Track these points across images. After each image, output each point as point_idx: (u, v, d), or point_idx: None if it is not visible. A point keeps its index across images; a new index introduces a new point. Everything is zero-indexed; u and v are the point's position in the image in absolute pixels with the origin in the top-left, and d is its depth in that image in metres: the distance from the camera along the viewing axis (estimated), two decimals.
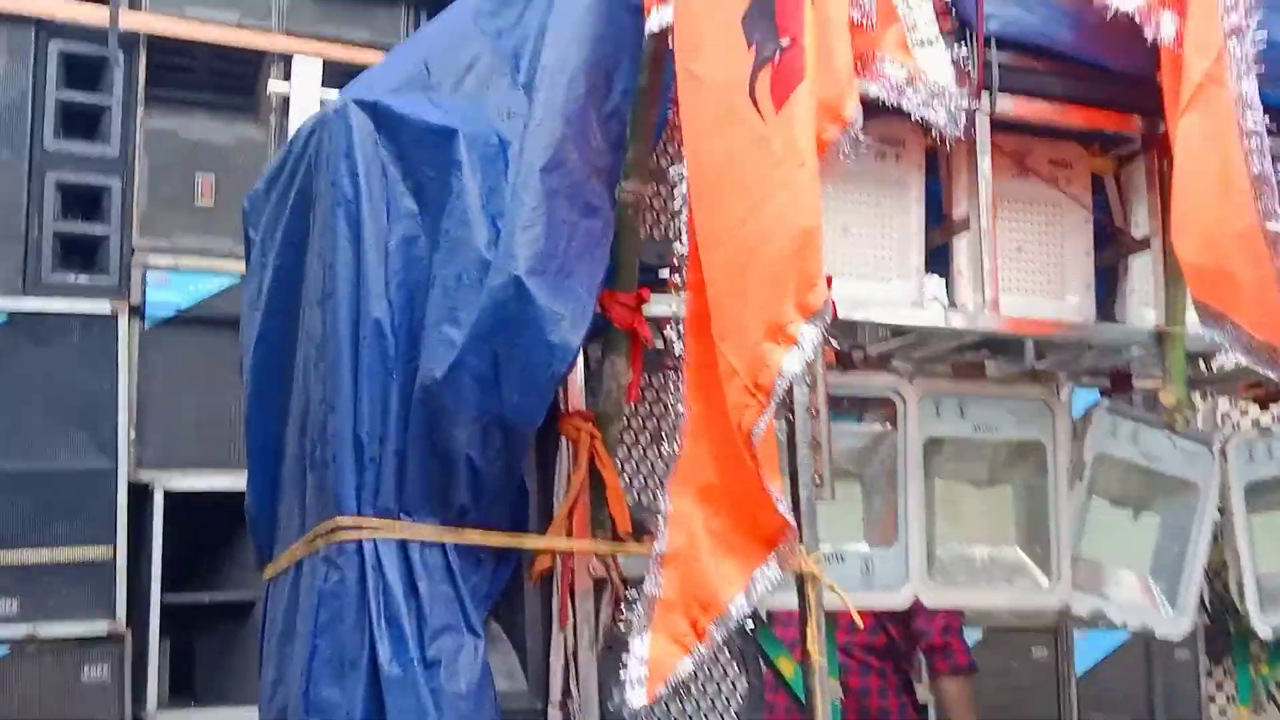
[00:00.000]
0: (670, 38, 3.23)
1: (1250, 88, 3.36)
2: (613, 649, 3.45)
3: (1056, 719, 6.36)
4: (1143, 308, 4.28)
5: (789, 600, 3.28)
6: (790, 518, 2.96)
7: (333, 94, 5.96)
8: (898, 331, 3.91)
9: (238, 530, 5.91)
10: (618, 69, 3.42)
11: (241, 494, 5.86)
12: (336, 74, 6.17)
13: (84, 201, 6.01)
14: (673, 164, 3.37)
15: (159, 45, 6.13)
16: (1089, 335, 4.22)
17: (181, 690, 5.95)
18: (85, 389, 5.79)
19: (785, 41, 2.93)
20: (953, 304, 3.87)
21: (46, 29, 5.96)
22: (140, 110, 6.08)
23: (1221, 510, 4.56)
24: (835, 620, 3.75)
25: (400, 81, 3.53)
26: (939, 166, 4.02)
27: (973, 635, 6.31)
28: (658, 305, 3.49)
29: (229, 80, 6.40)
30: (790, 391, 3.23)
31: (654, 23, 3.27)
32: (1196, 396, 5.33)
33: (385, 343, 3.30)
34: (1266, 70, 3.41)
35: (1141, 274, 4.29)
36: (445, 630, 3.23)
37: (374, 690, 3.17)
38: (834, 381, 3.70)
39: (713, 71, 3.04)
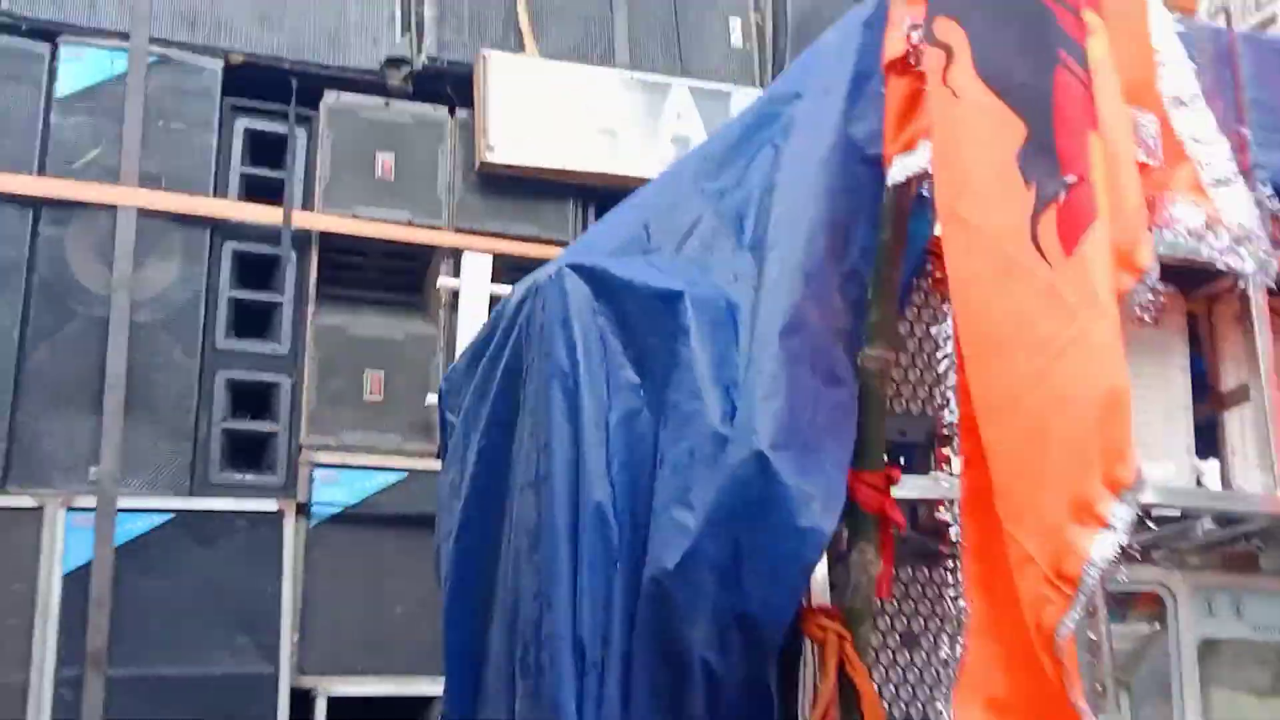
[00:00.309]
0: (913, 188, 2.74)
1: None
2: None
3: None
4: None
5: None
6: None
7: (503, 289, 5.59)
8: (1163, 519, 3.30)
9: None
10: (855, 226, 2.92)
11: (407, 700, 5.44)
12: (505, 268, 5.80)
13: (253, 399, 5.65)
14: (917, 326, 2.83)
15: (330, 243, 5.80)
16: None
17: None
18: (248, 590, 5.38)
19: (1071, 179, 2.41)
20: (1227, 485, 3.27)
21: (221, 230, 5.68)
22: (311, 307, 5.72)
23: None
24: None
25: (618, 244, 3.09)
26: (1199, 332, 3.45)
27: None
28: (908, 487, 2.93)
29: (398, 277, 6.07)
30: None
31: (897, 173, 2.77)
32: None
33: (608, 530, 2.78)
34: None
35: None
36: None
37: None
38: None
39: (985, 216, 2.52)
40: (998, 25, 2.55)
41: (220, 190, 5.71)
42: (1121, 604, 3.42)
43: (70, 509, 5.21)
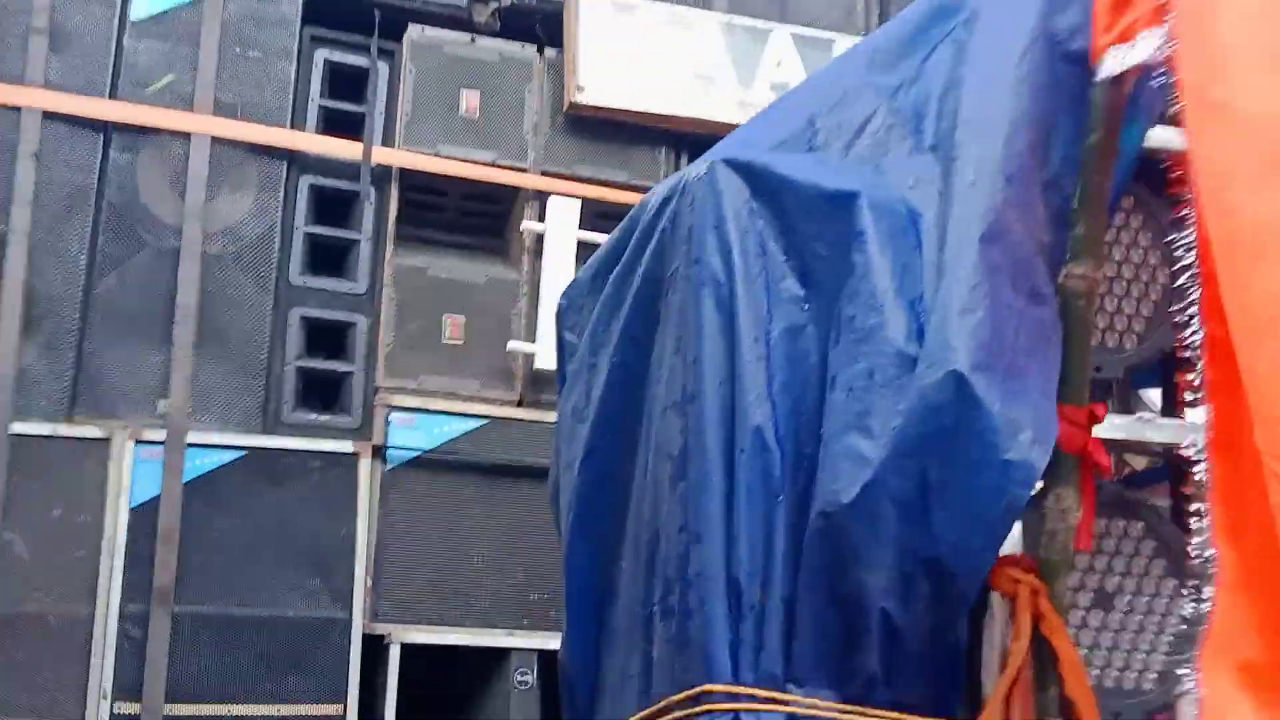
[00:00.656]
0: (1125, 86, 2.25)
1: None
2: None
3: None
4: None
5: None
6: None
7: (591, 235, 5.12)
8: None
9: (476, 689, 4.95)
10: (1056, 129, 2.45)
11: (484, 650, 5.00)
12: (591, 214, 5.33)
13: (329, 338, 5.20)
14: (1115, 249, 2.35)
15: (411, 181, 5.33)
16: None
17: None
18: (321, 532, 4.93)
19: None
20: None
21: (299, 163, 5.22)
22: (389, 247, 5.26)
23: None
24: None
25: (779, 140, 2.62)
26: None
27: None
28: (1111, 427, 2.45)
29: (480, 219, 5.59)
30: None
31: (1111, 66, 2.30)
32: None
33: (768, 456, 2.35)
34: None
35: None
36: None
37: None
38: None
39: (1252, 100, 2.03)
40: None
41: (298, 123, 5.24)
42: None
43: (139, 442, 4.77)
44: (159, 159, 5.03)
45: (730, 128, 5.31)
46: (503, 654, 4.94)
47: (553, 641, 4.96)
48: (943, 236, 2.31)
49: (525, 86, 5.45)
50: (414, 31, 5.39)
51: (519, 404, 5.28)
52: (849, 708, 2.25)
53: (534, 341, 5.24)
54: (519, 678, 4.90)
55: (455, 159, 5.33)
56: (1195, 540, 2.07)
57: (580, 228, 5.32)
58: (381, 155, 5.26)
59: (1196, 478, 2.08)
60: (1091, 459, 2.36)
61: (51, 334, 4.82)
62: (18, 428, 4.65)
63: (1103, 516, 2.64)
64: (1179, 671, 2.66)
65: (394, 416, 5.13)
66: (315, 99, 5.26)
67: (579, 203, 5.30)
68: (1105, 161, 2.40)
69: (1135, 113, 2.43)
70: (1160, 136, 2.55)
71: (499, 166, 5.37)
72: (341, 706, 4.76)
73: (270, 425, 5.02)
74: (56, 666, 4.51)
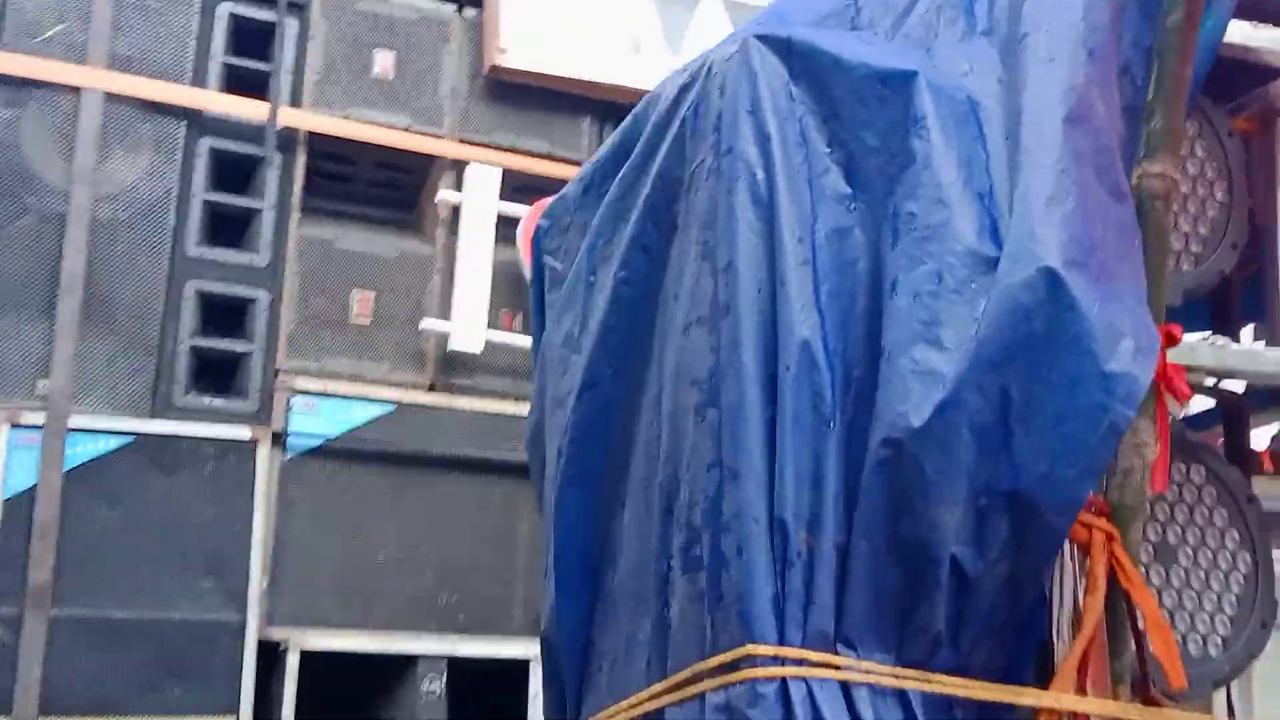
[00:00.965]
0: None
1: None
2: None
3: None
4: None
5: None
6: None
7: (512, 208, 4.73)
8: None
9: (380, 698, 4.49)
10: (1121, 12, 2.11)
11: (389, 658, 4.54)
12: (509, 186, 4.93)
13: (226, 315, 4.71)
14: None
15: (319, 147, 4.88)
16: None
17: None
18: (214, 528, 4.45)
19: None
20: None
21: (198, 123, 4.73)
22: (295, 216, 4.80)
23: None
24: None
25: (819, 16, 2.23)
26: None
27: None
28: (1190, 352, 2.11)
29: (391, 190, 5.15)
30: None
31: None
32: None
33: (818, 376, 1.97)
34: None
35: None
36: None
37: None
38: None
39: None
40: None
41: (199, 81, 4.76)
42: None
43: (15, 426, 4.25)
44: (46, 115, 4.53)
45: None
46: (409, 661, 4.50)
47: (464, 647, 4.56)
48: (1015, 122, 1.95)
49: (443, 47, 5.03)
50: None
51: (431, 389, 4.85)
52: (910, 673, 1.88)
53: (449, 320, 4.81)
54: (427, 686, 4.46)
55: (367, 123, 4.89)
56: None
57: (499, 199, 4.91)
58: (288, 117, 4.80)
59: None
60: (1171, 387, 2.03)
61: None
62: None
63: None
64: (1245, 634, 2.34)
65: (295, 401, 4.67)
66: (218, 55, 4.79)
67: (500, 171, 4.89)
68: (1187, 45, 2.07)
69: None
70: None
71: (414, 132, 4.94)
72: (234, 718, 4.28)
73: (161, 409, 4.52)
74: None
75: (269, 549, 4.51)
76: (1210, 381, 2.41)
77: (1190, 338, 2.32)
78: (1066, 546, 2.00)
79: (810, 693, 1.84)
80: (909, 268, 1.95)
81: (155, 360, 4.55)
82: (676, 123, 2.23)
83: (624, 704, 2.15)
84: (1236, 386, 2.62)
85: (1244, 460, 2.52)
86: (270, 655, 4.40)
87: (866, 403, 1.94)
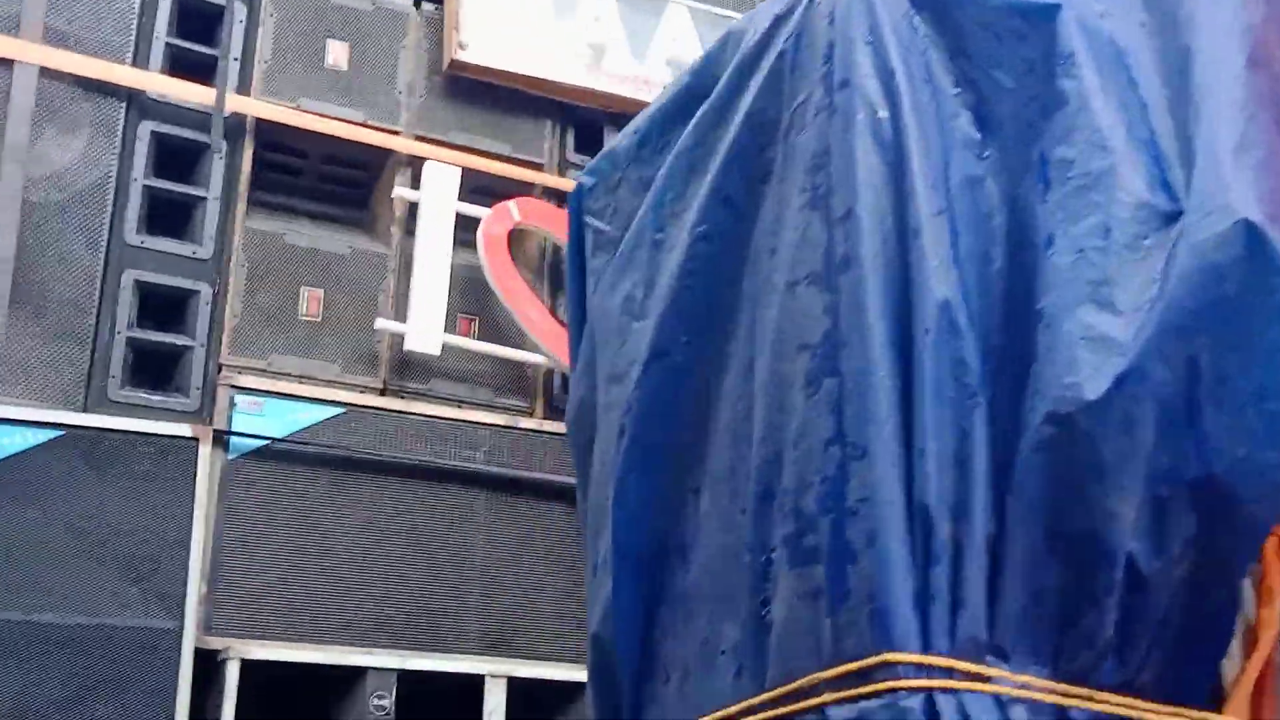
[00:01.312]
0: None
1: None
2: None
3: None
4: None
5: None
6: None
7: (470, 209, 4.55)
8: None
9: (326, 714, 4.21)
10: None
11: (334, 670, 4.25)
12: (466, 188, 4.75)
13: (166, 307, 4.43)
14: None
15: (267, 137, 4.64)
16: None
17: None
18: (149, 529, 4.12)
19: None
20: None
21: (139, 105, 4.46)
22: (241, 207, 4.54)
23: None
24: None
25: None
26: None
27: None
28: None
29: (341, 186, 4.93)
30: None
31: None
32: None
33: (960, 343, 1.78)
34: None
35: None
36: None
37: None
38: None
39: None
40: None
41: (140, 61, 4.50)
42: None
43: None
44: None
45: (621, 101, 4.88)
46: (357, 674, 4.23)
47: (414, 661, 4.31)
48: (1180, 67, 1.80)
49: (400, 42, 4.84)
50: None
51: (383, 392, 4.61)
52: (1073, 689, 1.66)
53: (404, 322, 4.59)
54: (376, 701, 4.20)
55: (319, 115, 4.67)
56: None
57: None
58: (236, 104, 4.56)
59: None
60: None
61: None
62: None
63: None
64: None
65: (239, 399, 4.39)
66: (161, 35, 4.53)
67: (459, 171, 4.70)
68: None
69: None
70: None
71: (369, 126, 4.73)
72: None
73: (94, 402, 4.21)
74: None
75: (207, 553, 4.21)
76: None
77: None
78: None
79: (963, 709, 1.63)
80: (1068, 221, 1.79)
81: (89, 351, 4.25)
82: (770, 57, 2.06)
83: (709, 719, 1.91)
84: None
85: None
86: (208, 666, 4.10)
87: (1010, 375, 1.76)
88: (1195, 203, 1.72)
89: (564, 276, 4.80)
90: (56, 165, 4.33)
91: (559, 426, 4.69)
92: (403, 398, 4.61)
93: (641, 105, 4.69)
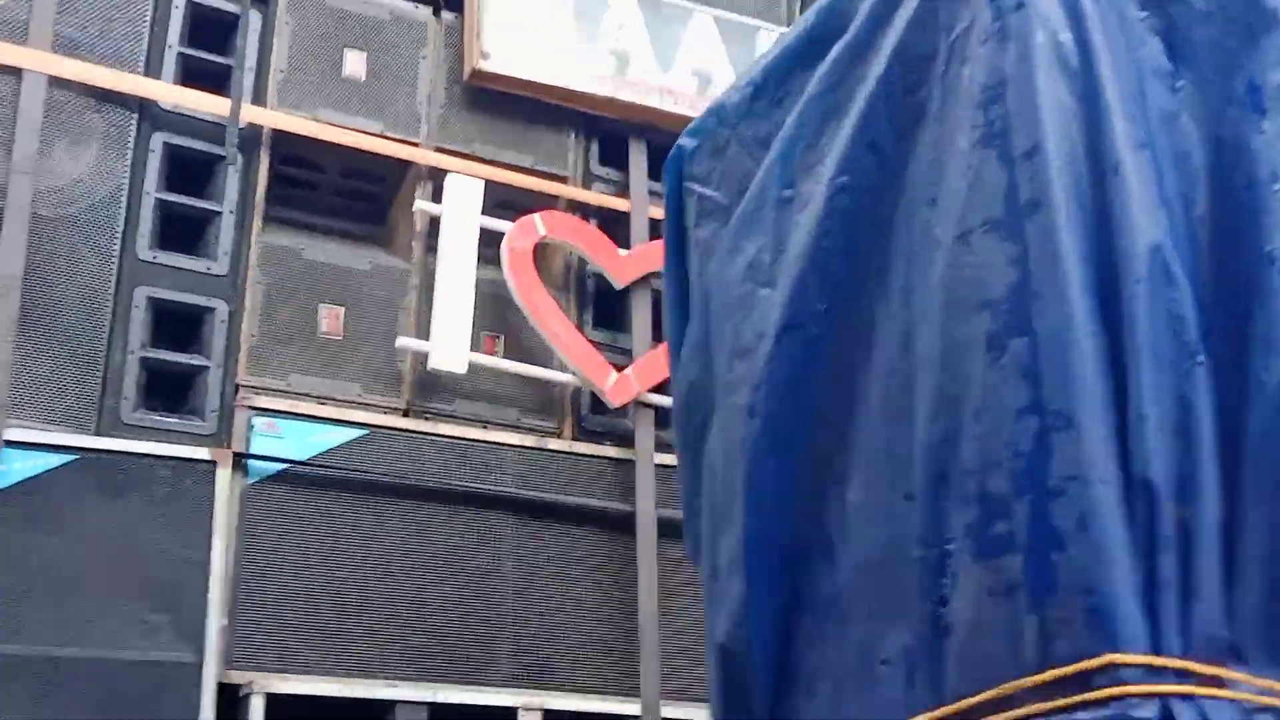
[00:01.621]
0: None
1: None
2: None
3: None
4: None
5: None
6: None
7: (495, 223, 4.39)
8: None
9: None
10: None
11: (361, 704, 4.07)
12: (489, 201, 4.59)
13: (180, 325, 4.24)
14: None
15: (284, 149, 4.48)
16: None
17: None
18: (168, 557, 3.94)
19: None
20: None
21: (151, 116, 4.29)
22: (257, 222, 4.37)
23: None
24: None
25: None
26: None
27: None
28: None
29: (362, 200, 4.75)
30: None
31: None
32: None
33: (1176, 294, 1.58)
34: None
35: None
36: None
37: None
38: None
39: None
40: None
41: (152, 71, 4.33)
42: None
43: None
44: None
45: (646, 111, 4.75)
46: (385, 707, 4.08)
47: (445, 694, 4.14)
48: None
49: (419, 51, 4.69)
50: None
51: (406, 413, 4.44)
52: None
53: (427, 340, 4.42)
54: None
55: (336, 125, 4.50)
56: None
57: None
58: (251, 115, 4.39)
59: None
60: None
61: None
62: None
63: None
64: None
65: (257, 421, 4.21)
66: (174, 44, 4.36)
67: (482, 183, 4.55)
68: None
69: None
70: None
71: (388, 138, 4.57)
72: None
73: (106, 426, 4.03)
74: None
75: (229, 582, 4.02)
76: None
77: None
78: None
79: (1205, 715, 1.44)
80: None
81: (101, 372, 4.07)
82: None
83: None
84: None
85: None
86: (231, 701, 3.92)
87: (1230, 331, 1.58)
88: None
89: (590, 292, 4.68)
90: (66, 178, 4.17)
91: (588, 448, 4.55)
92: (426, 419, 4.43)
93: (667, 116, 4.64)
